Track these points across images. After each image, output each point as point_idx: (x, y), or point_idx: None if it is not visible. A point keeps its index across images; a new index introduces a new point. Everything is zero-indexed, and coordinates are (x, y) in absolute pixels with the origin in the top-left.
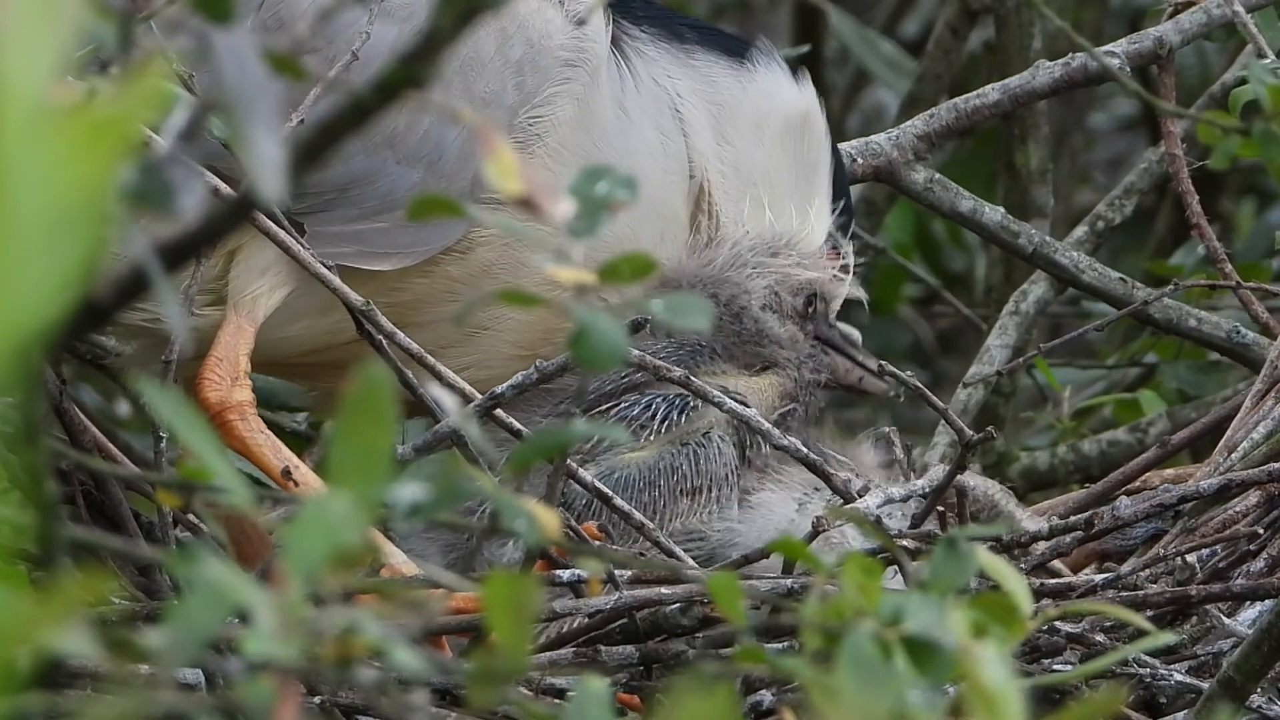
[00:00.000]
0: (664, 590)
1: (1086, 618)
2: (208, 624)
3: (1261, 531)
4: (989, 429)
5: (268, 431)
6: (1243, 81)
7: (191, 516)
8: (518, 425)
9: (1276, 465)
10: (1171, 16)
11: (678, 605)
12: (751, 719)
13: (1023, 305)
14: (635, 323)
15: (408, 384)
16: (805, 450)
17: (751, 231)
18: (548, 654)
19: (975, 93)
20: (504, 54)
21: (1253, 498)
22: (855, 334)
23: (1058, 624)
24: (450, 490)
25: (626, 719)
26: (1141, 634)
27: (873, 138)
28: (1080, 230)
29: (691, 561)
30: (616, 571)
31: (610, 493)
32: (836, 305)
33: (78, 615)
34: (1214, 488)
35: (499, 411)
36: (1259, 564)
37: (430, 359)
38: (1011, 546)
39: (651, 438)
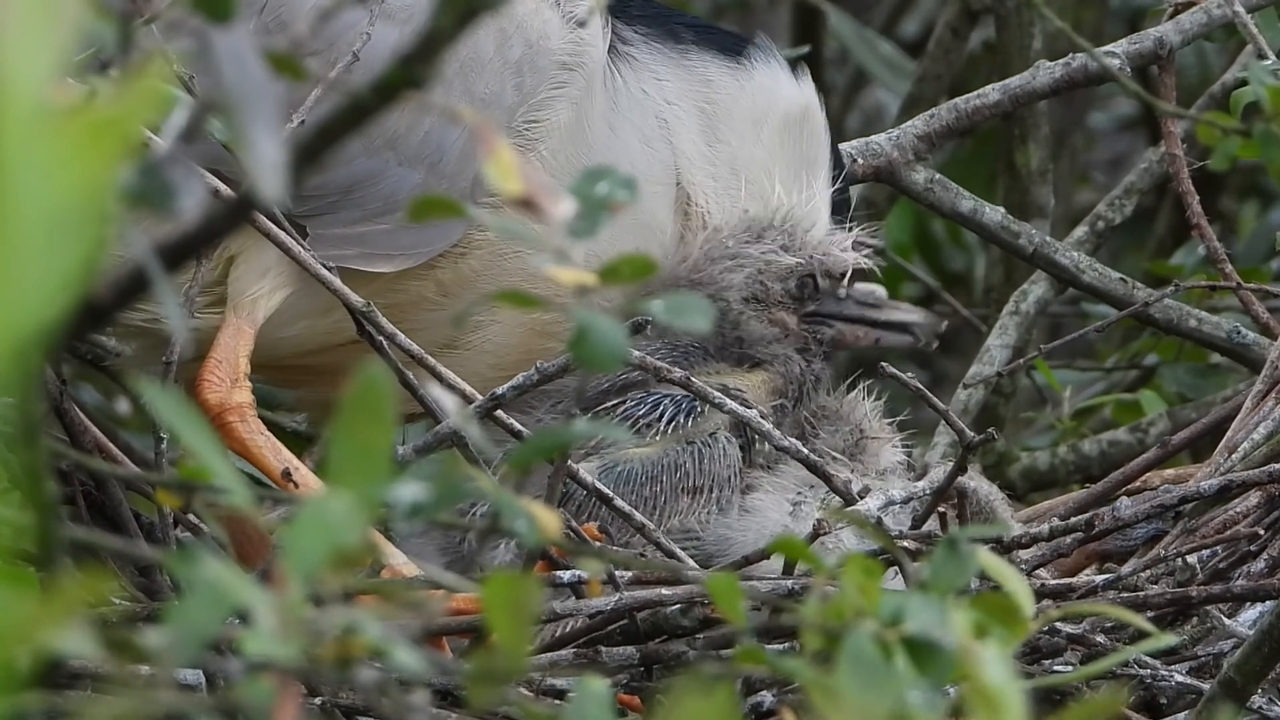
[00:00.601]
0: (664, 591)
1: (1087, 619)
2: (208, 624)
3: (1262, 532)
4: (989, 429)
5: (268, 433)
6: (1243, 82)
7: (191, 517)
8: (518, 426)
9: (1277, 466)
10: (1171, 16)
11: (678, 606)
12: (752, 719)
13: (1023, 305)
14: (636, 324)
15: (408, 385)
16: (805, 451)
17: (730, 220)
18: (548, 655)
19: (975, 93)
20: (503, 54)
21: (1253, 498)
22: (878, 290)
23: (1058, 625)
24: (450, 490)
25: (627, 719)
26: (1142, 635)
27: (873, 138)
28: (1080, 230)
29: (692, 562)
30: (617, 572)
31: (611, 493)
32: (844, 276)
33: (78, 615)
34: (1214, 488)
35: (499, 412)
36: (1259, 565)
37: (430, 360)
38: (1012, 548)
39: (657, 438)
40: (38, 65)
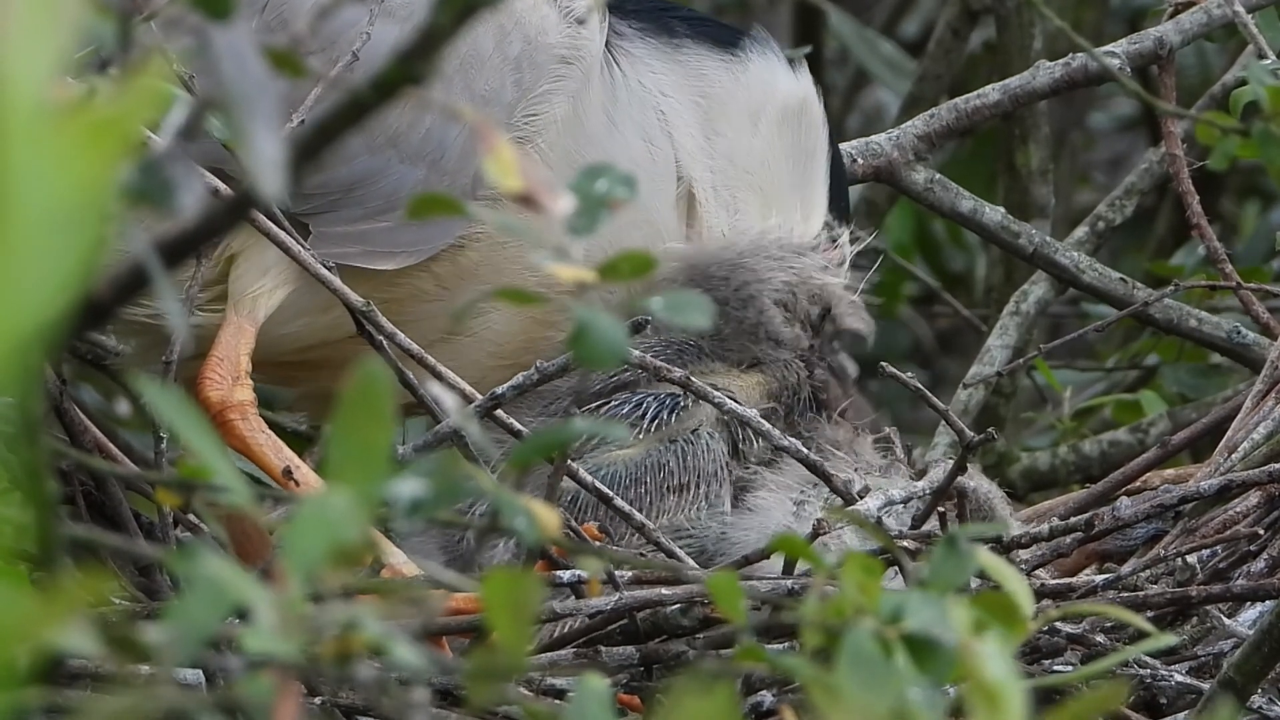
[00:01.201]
0: (664, 591)
1: (1087, 618)
2: (208, 622)
3: (1262, 532)
4: (989, 430)
5: (269, 431)
6: (1243, 82)
7: (191, 516)
8: (518, 425)
9: (1277, 466)
10: (1171, 16)
11: (678, 606)
12: (752, 719)
13: (1023, 305)
14: (636, 323)
15: (408, 384)
16: (805, 451)
17: (776, 228)
18: (548, 654)
19: (975, 93)
20: (503, 50)
21: (1253, 498)
22: (853, 368)
23: (1058, 624)
24: (450, 489)
25: (627, 719)
26: (1142, 635)
27: (873, 138)
28: (1081, 230)
29: (692, 562)
30: (617, 572)
31: (611, 493)
32: (844, 329)
33: (78, 615)
34: (1214, 488)
35: (499, 412)
36: (1259, 564)
37: (430, 359)
38: (1012, 547)
39: (641, 436)
40: (38, 65)
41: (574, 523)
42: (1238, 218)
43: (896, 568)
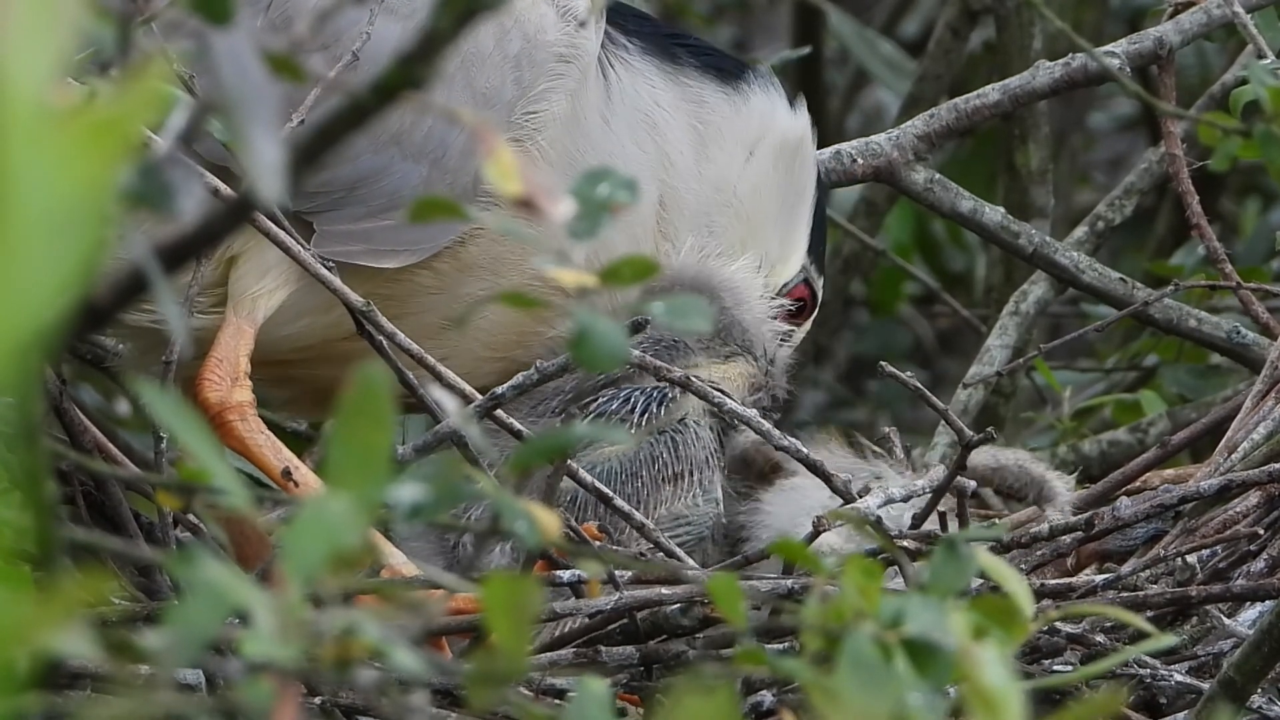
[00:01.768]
0: (664, 591)
1: (1087, 618)
2: (207, 625)
3: (1262, 532)
4: (989, 429)
5: (268, 432)
6: (1243, 82)
7: (191, 517)
8: (518, 425)
9: (1277, 465)
10: (1171, 16)
11: (678, 606)
12: (752, 719)
13: (1023, 305)
14: (636, 324)
15: (408, 384)
16: (805, 451)
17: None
18: (548, 654)
19: (975, 93)
20: (503, 49)
21: (1253, 498)
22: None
23: (1058, 625)
24: (450, 491)
25: (627, 718)
26: (1142, 635)
27: (873, 138)
28: (1080, 230)
29: (691, 561)
30: (617, 572)
31: (610, 493)
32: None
33: (78, 616)
34: (1214, 488)
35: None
36: (1259, 564)
37: (430, 359)
38: (1011, 547)
39: (633, 431)
40: (38, 66)
41: (574, 522)
42: (1238, 218)
43: (897, 567)
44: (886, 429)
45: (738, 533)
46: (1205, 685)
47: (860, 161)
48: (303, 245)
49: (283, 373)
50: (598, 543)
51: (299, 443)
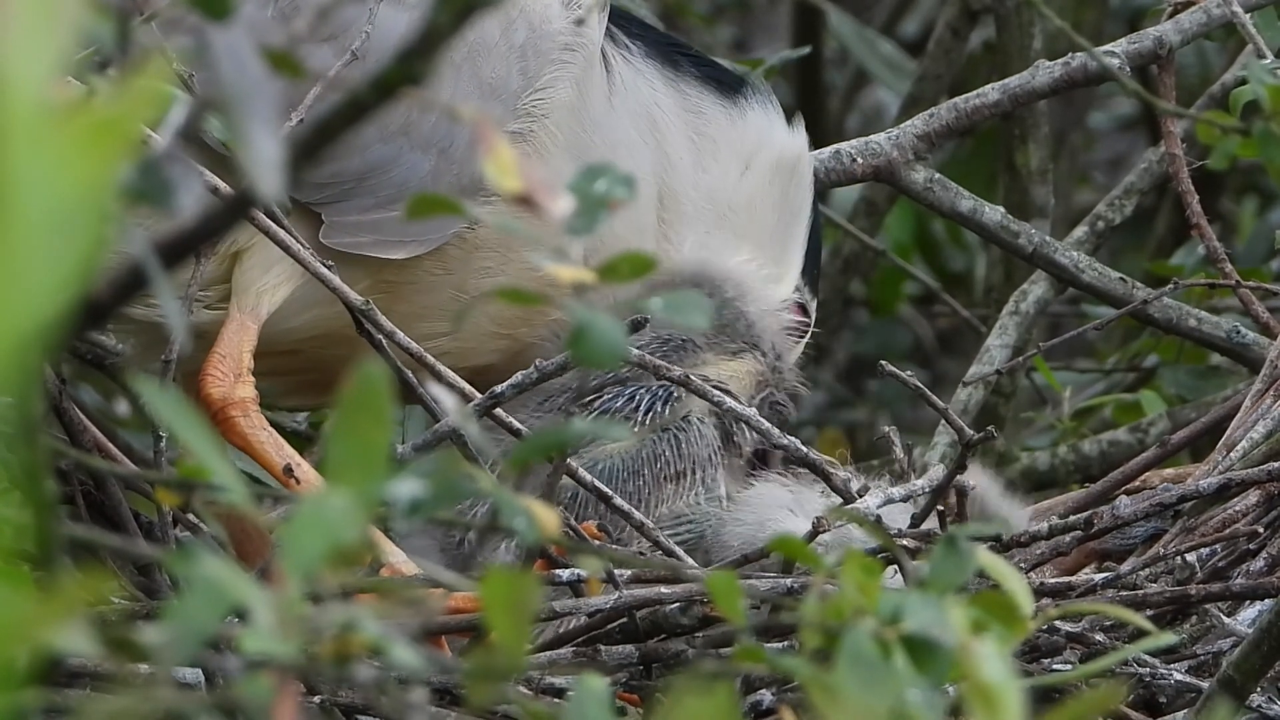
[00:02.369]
0: (664, 590)
1: (1086, 617)
2: (207, 622)
3: (1261, 530)
4: (989, 429)
5: (270, 429)
6: (1242, 81)
7: (191, 516)
8: (517, 425)
9: (1276, 464)
10: (1171, 16)
11: (678, 605)
12: (751, 718)
13: (1023, 305)
14: (635, 322)
15: (407, 383)
16: (805, 450)
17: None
18: (547, 653)
19: (975, 93)
20: (508, 38)
21: (1252, 497)
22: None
23: (1057, 623)
24: (449, 489)
25: (626, 718)
26: (1141, 633)
27: (873, 138)
28: (1080, 230)
29: (691, 561)
30: (616, 571)
31: (610, 492)
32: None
33: (77, 614)
34: (1214, 487)
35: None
36: (1259, 563)
37: (430, 358)
38: (1011, 546)
39: (636, 429)
40: (38, 65)
41: (573, 522)
42: (1237, 217)
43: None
44: (886, 429)
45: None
46: (1205, 684)
47: (860, 161)
48: (302, 244)
49: (286, 363)
50: (597, 542)
51: (299, 442)
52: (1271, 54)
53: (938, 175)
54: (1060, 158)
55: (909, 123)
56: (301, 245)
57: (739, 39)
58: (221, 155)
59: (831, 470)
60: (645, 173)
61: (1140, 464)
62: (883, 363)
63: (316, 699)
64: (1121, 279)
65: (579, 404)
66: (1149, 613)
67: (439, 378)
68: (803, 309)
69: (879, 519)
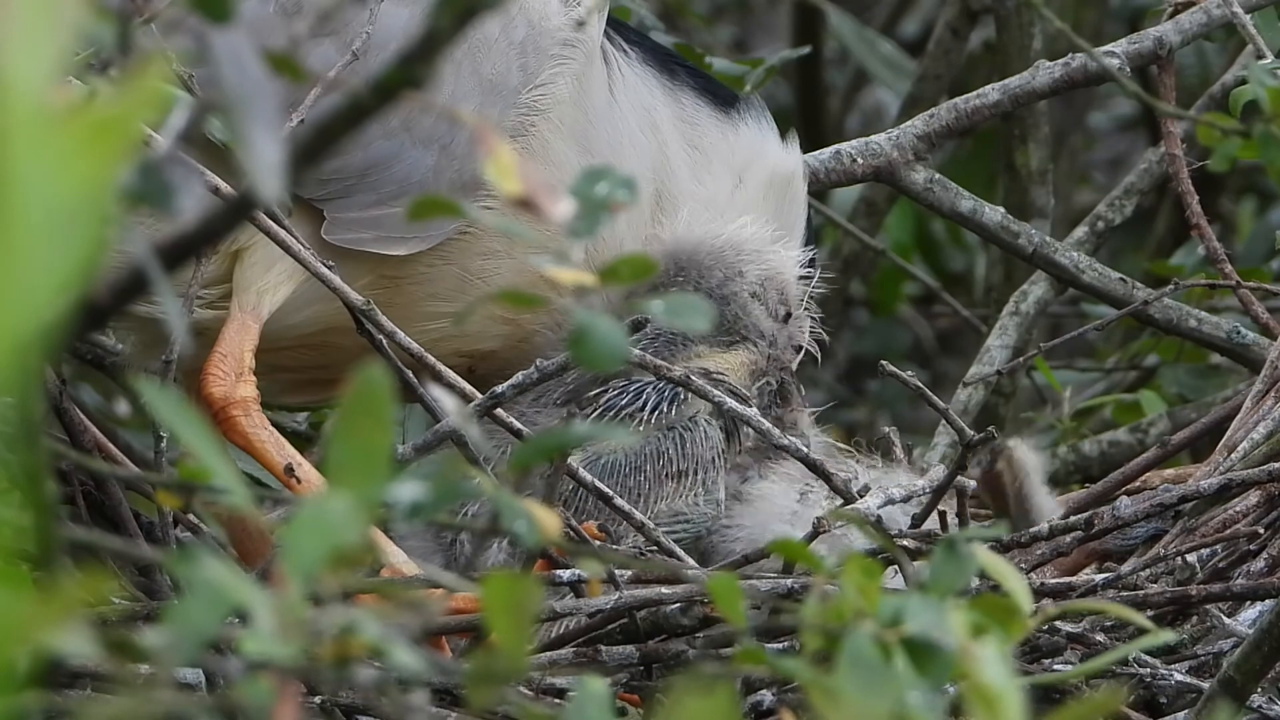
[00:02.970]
0: (664, 590)
1: (1087, 617)
2: (207, 624)
3: (1262, 531)
4: (989, 429)
5: (271, 428)
6: (1242, 82)
7: (191, 516)
8: (518, 425)
9: (1276, 465)
10: (1171, 16)
11: (678, 605)
12: (752, 718)
13: (1023, 305)
14: (635, 323)
15: (408, 384)
16: (805, 450)
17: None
18: (548, 654)
19: (975, 93)
20: (508, 35)
21: (1253, 497)
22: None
23: (1058, 623)
24: (450, 490)
25: (627, 718)
26: (1142, 633)
27: (873, 138)
28: (1080, 230)
29: (691, 561)
30: (617, 571)
31: (611, 492)
32: (797, 335)
33: (78, 615)
34: (1214, 487)
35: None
36: (1259, 564)
37: (430, 358)
38: (1011, 547)
39: (641, 427)
40: (38, 65)
41: (574, 521)
42: (1237, 218)
43: (896, 566)
44: (886, 429)
45: (708, 543)
46: (1205, 684)
47: (860, 161)
48: (303, 244)
49: (289, 361)
50: (598, 542)
51: (299, 441)
52: (1271, 54)
53: (938, 175)
54: (1060, 158)
55: (909, 123)
56: (302, 245)
57: (739, 39)
58: (222, 151)
59: (832, 471)
60: (646, 169)
61: (1140, 464)
62: (883, 363)
63: (317, 700)
64: (1122, 279)
65: (584, 398)
66: (1149, 613)
67: (439, 378)
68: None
69: (879, 519)
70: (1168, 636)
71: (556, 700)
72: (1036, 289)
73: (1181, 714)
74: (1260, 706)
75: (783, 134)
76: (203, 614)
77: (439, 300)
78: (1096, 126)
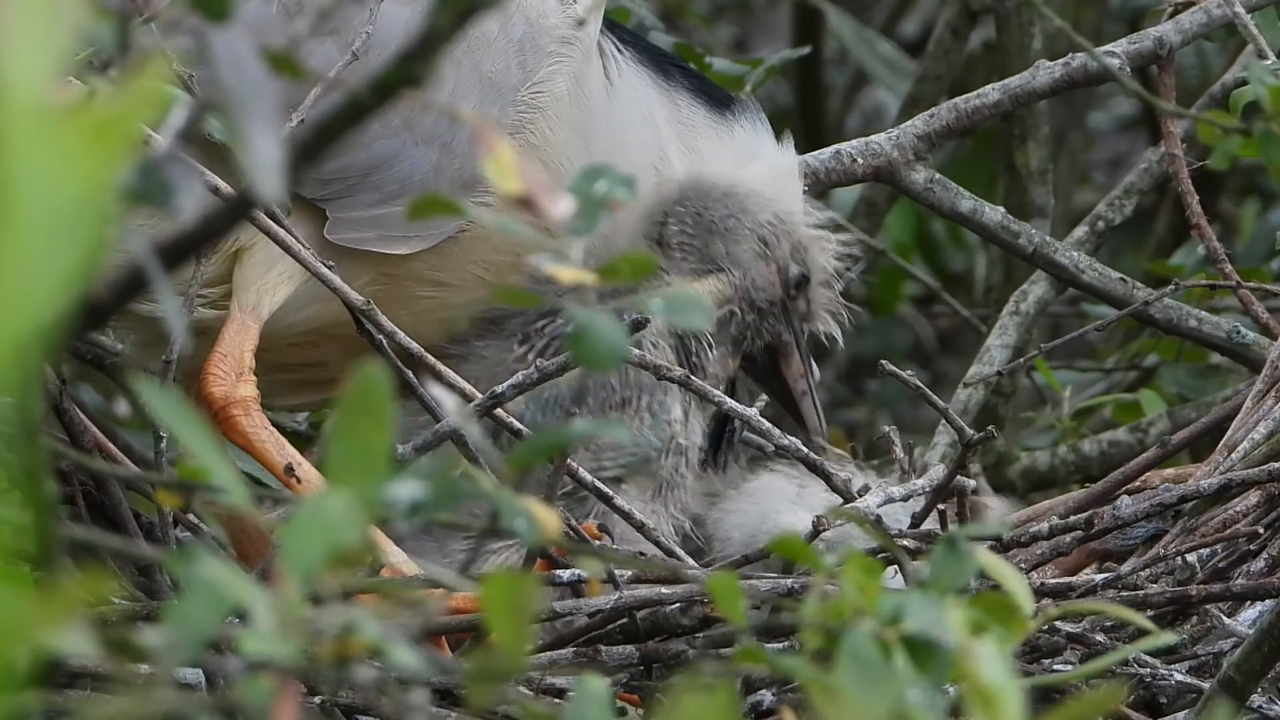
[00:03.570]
0: (664, 590)
1: (1087, 617)
2: (207, 624)
3: (1262, 531)
4: (989, 429)
5: (271, 428)
6: (1243, 81)
7: (191, 516)
8: (518, 425)
9: (1276, 465)
10: (1171, 16)
11: (678, 605)
12: (752, 719)
13: (1023, 305)
14: (635, 321)
15: (407, 383)
16: (805, 450)
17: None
18: (548, 654)
19: (975, 93)
20: (507, 33)
21: (1253, 497)
22: (816, 374)
23: (1058, 624)
24: (449, 489)
25: (626, 718)
26: (1142, 634)
27: (873, 138)
28: (1080, 230)
29: (691, 561)
30: (616, 571)
31: (611, 492)
32: (813, 319)
33: (78, 615)
34: (1214, 487)
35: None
36: (1259, 564)
37: (430, 358)
38: (1012, 547)
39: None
40: (38, 65)
41: (574, 521)
42: (1237, 217)
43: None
44: (886, 428)
45: (706, 534)
46: (1205, 684)
47: (860, 161)
48: (303, 244)
49: (287, 355)
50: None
51: (299, 441)
52: (1272, 54)
53: (938, 175)
54: (1060, 158)
55: (909, 123)
56: (302, 245)
57: (739, 39)
58: (222, 149)
59: (832, 470)
60: (648, 166)
61: (1140, 464)
62: (883, 363)
63: (317, 700)
64: (1122, 279)
65: (532, 329)
66: (1149, 613)
67: (439, 377)
68: None
69: (879, 519)
70: (1168, 637)
71: (556, 700)
72: (1036, 289)
73: (1181, 714)
74: (1260, 706)
75: (779, 135)
76: (202, 614)
77: (441, 289)
78: (1096, 126)
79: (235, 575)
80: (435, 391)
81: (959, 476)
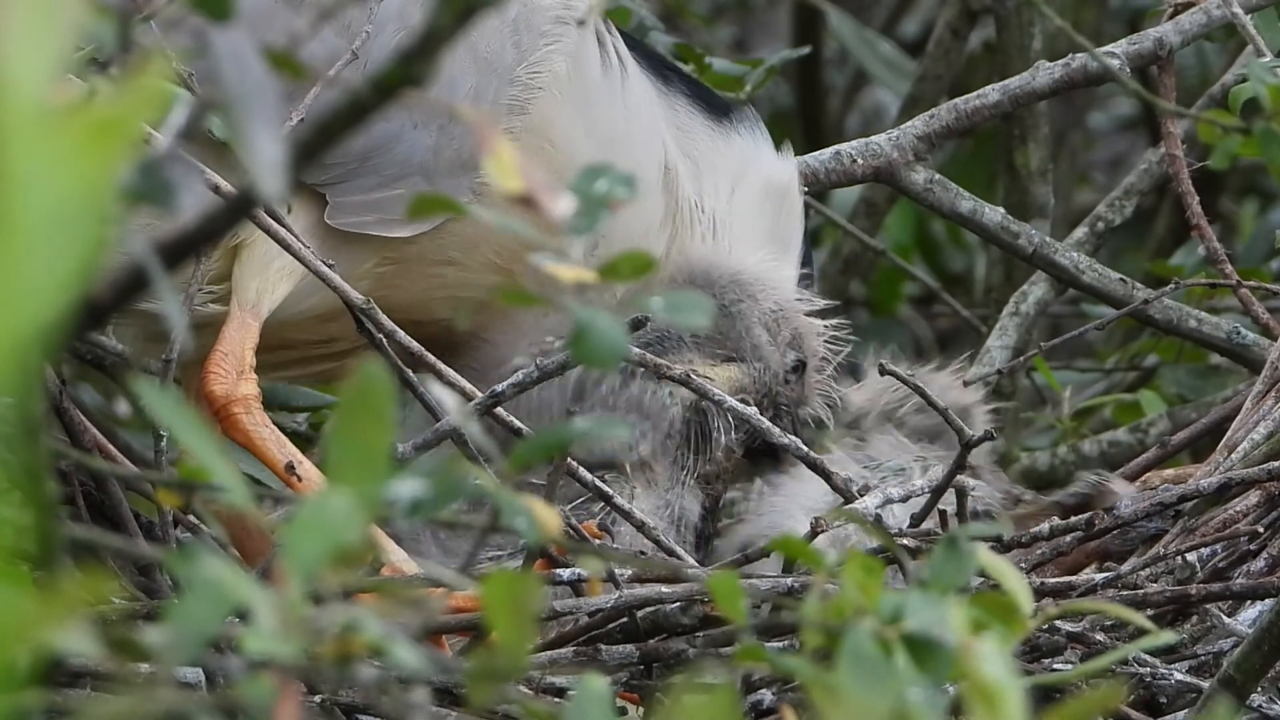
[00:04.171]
0: (664, 589)
1: (1087, 617)
2: (208, 623)
3: (1262, 530)
4: (989, 429)
5: (272, 426)
6: (1243, 81)
7: (191, 516)
8: (518, 424)
9: (1277, 464)
10: (1171, 17)
11: (678, 604)
12: (752, 718)
13: (1023, 306)
14: (636, 321)
15: (408, 382)
16: (805, 449)
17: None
18: (548, 653)
19: (975, 93)
20: (502, 14)
21: (1253, 497)
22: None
23: (1058, 623)
24: (450, 488)
25: (627, 718)
26: (1142, 633)
27: (873, 138)
28: (1080, 231)
29: (693, 561)
30: (617, 570)
31: (611, 492)
32: (810, 396)
33: (78, 615)
34: (1214, 487)
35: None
36: (1259, 563)
37: (430, 357)
38: (1012, 546)
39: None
40: (38, 65)
41: (574, 521)
42: (1237, 217)
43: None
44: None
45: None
46: (1205, 684)
47: (860, 161)
48: (303, 242)
49: (290, 354)
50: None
51: (300, 441)
52: (1271, 54)
53: (938, 176)
54: (1060, 158)
55: (909, 123)
56: (302, 243)
57: (739, 39)
58: (222, 146)
59: (832, 470)
60: (656, 151)
61: (1141, 464)
62: (882, 362)
63: (318, 699)
64: (1122, 279)
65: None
66: (1150, 612)
67: (439, 377)
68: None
69: (878, 518)
70: (1168, 636)
71: (557, 699)
72: (1036, 289)
73: (1181, 714)
74: (1260, 706)
75: (779, 141)
76: (203, 613)
77: (451, 267)
78: (1096, 126)
79: (236, 574)
80: (435, 391)
81: (959, 476)
